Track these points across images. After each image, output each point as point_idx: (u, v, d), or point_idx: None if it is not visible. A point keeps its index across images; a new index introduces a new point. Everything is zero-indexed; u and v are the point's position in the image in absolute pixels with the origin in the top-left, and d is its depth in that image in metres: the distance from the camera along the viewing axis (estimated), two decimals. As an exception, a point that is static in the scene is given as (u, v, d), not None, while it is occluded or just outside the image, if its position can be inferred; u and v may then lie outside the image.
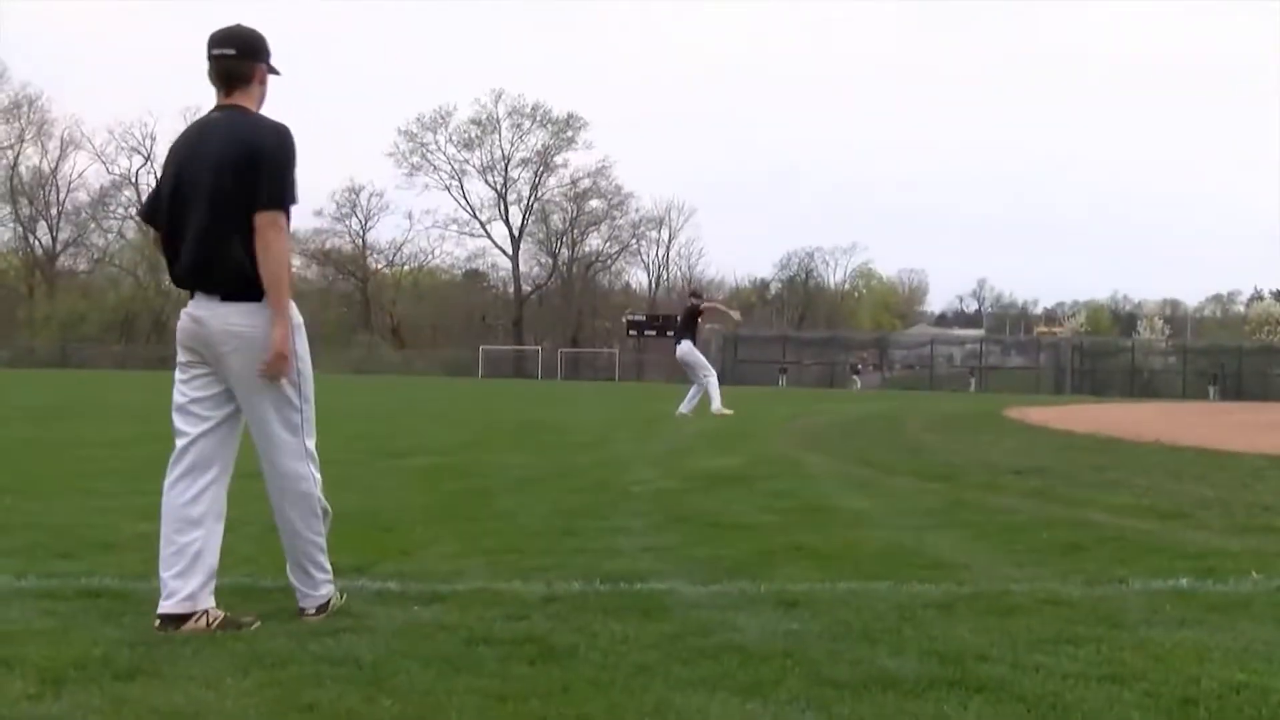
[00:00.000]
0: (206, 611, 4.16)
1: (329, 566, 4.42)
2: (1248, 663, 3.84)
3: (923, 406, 28.63)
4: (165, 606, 4.15)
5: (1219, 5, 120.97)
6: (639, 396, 32.81)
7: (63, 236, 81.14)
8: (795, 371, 66.67)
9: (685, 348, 19.52)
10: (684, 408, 19.06)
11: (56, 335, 72.64)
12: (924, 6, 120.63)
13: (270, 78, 4.44)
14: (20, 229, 79.30)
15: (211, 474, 4.28)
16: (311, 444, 4.38)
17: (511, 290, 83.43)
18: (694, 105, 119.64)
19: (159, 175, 4.56)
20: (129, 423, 15.97)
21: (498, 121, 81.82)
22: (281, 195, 4.19)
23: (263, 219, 4.14)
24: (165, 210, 4.33)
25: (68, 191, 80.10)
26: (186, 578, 4.16)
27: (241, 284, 4.18)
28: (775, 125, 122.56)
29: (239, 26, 4.39)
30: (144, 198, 4.22)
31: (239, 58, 4.32)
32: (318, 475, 4.38)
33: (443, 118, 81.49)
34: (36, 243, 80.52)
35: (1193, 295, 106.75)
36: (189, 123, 4.47)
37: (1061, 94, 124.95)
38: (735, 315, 23.36)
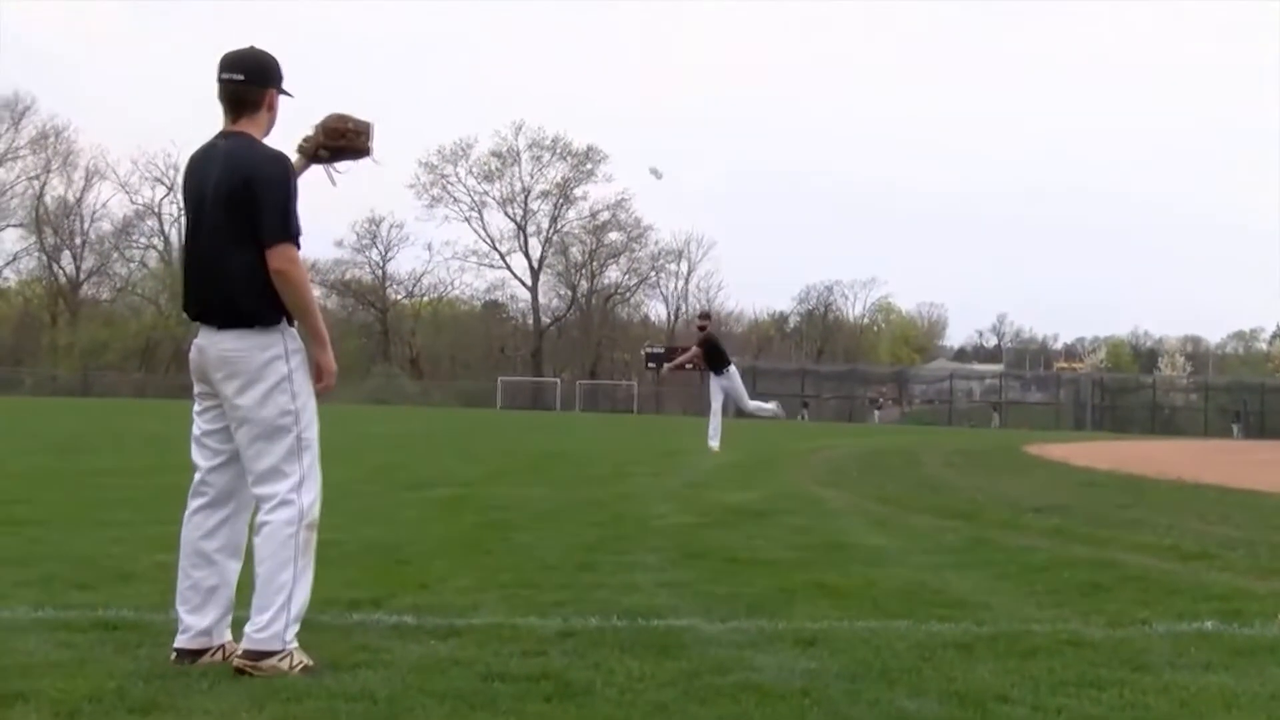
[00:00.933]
0: (223, 646, 4.15)
1: (276, 614, 4.03)
2: (1276, 710, 3.79)
3: (942, 442, 28.52)
4: (180, 642, 4.14)
5: (1242, 33, 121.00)
6: (657, 429, 32.77)
7: (86, 265, 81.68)
8: (815, 405, 66.55)
9: (726, 376, 18.90)
10: (712, 442, 18.65)
11: (78, 363, 73.12)
12: (944, 38, 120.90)
13: (282, 100, 4.37)
14: (44, 258, 79.96)
15: (228, 509, 4.24)
16: (310, 474, 4.17)
17: (530, 322, 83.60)
18: (713, 139, 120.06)
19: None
20: (147, 452, 16.02)
21: (518, 154, 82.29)
22: (286, 227, 4.12)
23: (274, 254, 4.07)
24: (184, 241, 4.35)
25: (91, 221, 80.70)
26: (201, 613, 4.15)
27: (234, 312, 4.14)
28: (794, 159, 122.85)
29: (250, 50, 4.31)
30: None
31: (247, 83, 4.24)
32: (307, 507, 4.14)
33: (463, 150, 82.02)
34: (60, 271, 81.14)
35: (1214, 332, 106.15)
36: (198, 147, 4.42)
37: (1083, 129, 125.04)
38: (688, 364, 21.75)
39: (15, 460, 13.95)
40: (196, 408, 4.31)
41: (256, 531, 4.11)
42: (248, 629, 4.06)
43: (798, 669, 4.14)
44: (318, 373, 4.29)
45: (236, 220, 4.09)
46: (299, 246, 4.18)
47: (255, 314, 4.14)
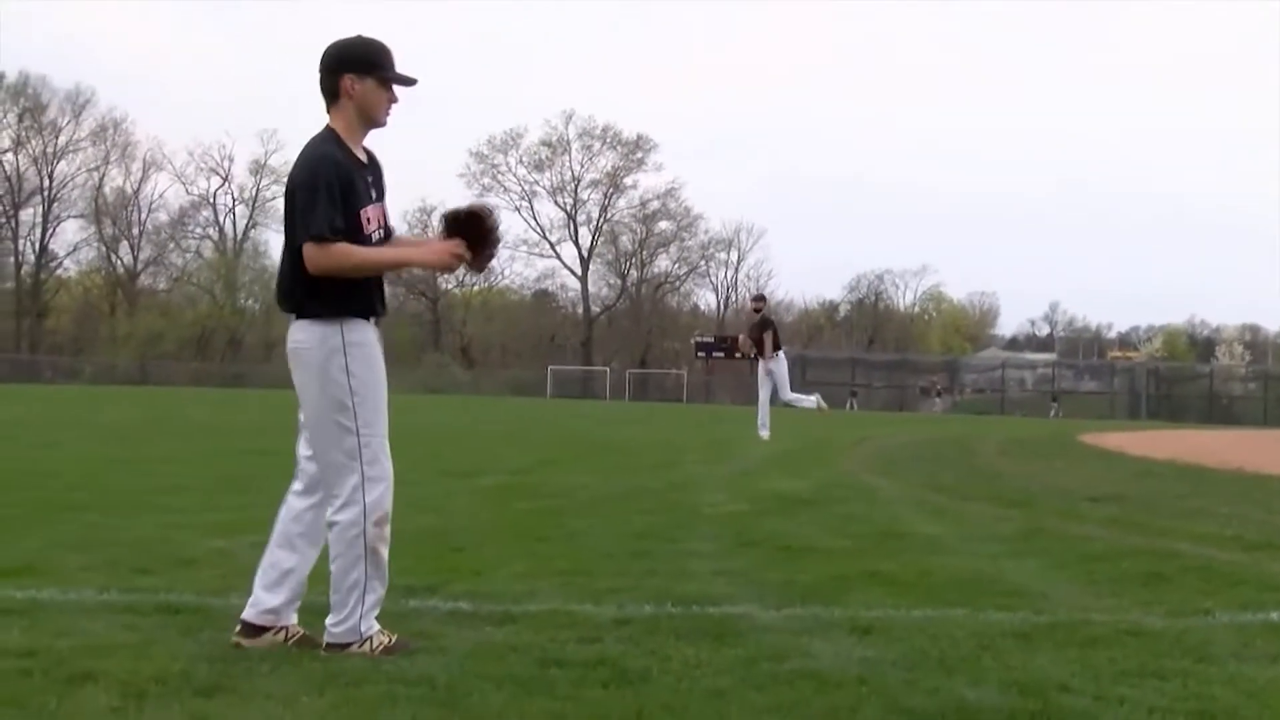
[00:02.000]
0: (286, 628, 4.21)
1: (352, 609, 4.11)
2: (1345, 702, 3.73)
3: (995, 431, 28.29)
4: (247, 615, 4.20)
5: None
6: (707, 418, 32.74)
7: (143, 256, 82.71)
8: (865, 394, 66.23)
9: (764, 362, 18.91)
10: (762, 434, 18.55)
11: (136, 352, 73.95)
12: (992, 28, 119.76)
13: (372, 88, 4.22)
14: (103, 248, 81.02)
15: (316, 498, 4.27)
16: (371, 470, 4.15)
17: (580, 311, 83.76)
18: (764, 127, 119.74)
19: None
20: (204, 440, 16.23)
21: (568, 143, 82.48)
22: (306, 226, 4.07)
23: (304, 255, 4.09)
24: None
25: (149, 212, 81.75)
26: (274, 592, 4.21)
27: (293, 303, 4.19)
28: (844, 146, 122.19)
29: (335, 41, 4.29)
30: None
31: (322, 72, 4.26)
32: (372, 504, 4.14)
33: (514, 139, 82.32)
34: (118, 262, 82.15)
35: (1273, 320, 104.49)
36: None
37: (1135, 115, 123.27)
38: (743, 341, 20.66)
39: (76, 447, 14.18)
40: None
41: (328, 529, 4.17)
42: (327, 623, 4.14)
43: (854, 657, 4.11)
44: (443, 261, 4.36)
45: (290, 216, 4.16)
46: (323, 241, 4.06)
47: (307, 306, 4.17)
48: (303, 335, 4.18)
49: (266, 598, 4.20)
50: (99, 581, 5.23)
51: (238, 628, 4.19)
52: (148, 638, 4.22)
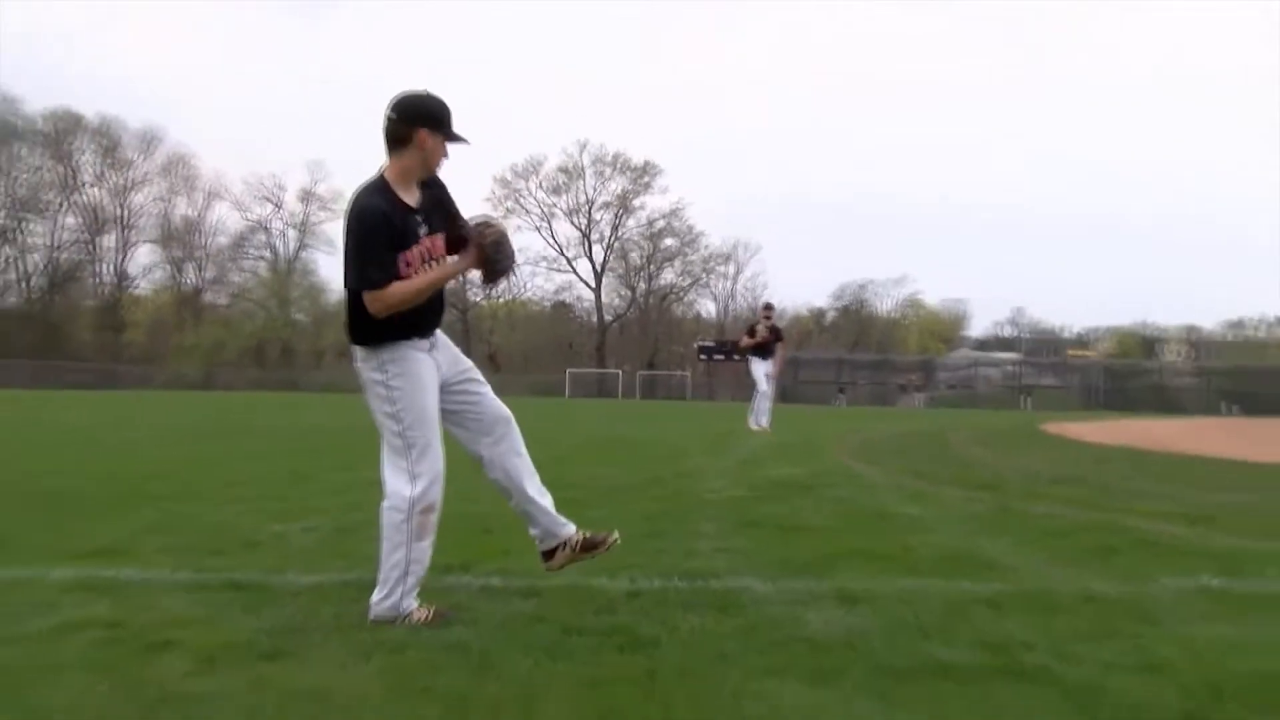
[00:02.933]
0: (567, 540, 4.61)
1: (393, 588, 4.18)
2: (1273, 656, 3.75)
3: (967, 423, 28.22)
4: (542, 547, 4.63)
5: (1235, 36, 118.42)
6: (709, 415, 32.71)
7: (207, 275, 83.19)
8: (850, 391, 66.12)
9: (760, 362, 19.12)
10: (764, 421, 18.80)
11: (201, 361, 74.27)
12: (966, 53, 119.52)
13: (440, 144, 4.28)
14: (172, 269, 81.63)
15: (484, 455, 4.65)
16: (417, 467, 4.25)
17: (595, 319, 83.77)
18: (760, 152, 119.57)
19: None
20: (263, 438, 16.27)
21: (582, 169, 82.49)
22: (357, 278, 4.14)
23: (364, 297, 4.17)
24: None
25: (211, 236, 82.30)
26: (537, 525, 4.62)
27: (351, 334, 4.32)
28: (833, 169, 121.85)
29: (410, 92, 4.27)
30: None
31: (398, 120, 4.21)
32: (417, 497, 4.22)
33: (534, 167, 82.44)
34: (185, 280, 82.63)
35: (1211, 321, 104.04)
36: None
37: (1089, 135, 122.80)
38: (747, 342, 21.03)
39: (151, 446, 14.23)
40: None
41: (381, 516, 4.25)
42: (372, 600, 4.19)
43: (843, 624, 4.13)
44: (478, 262, 4.49)
45: (344, 259, 4.22)
46: (375, 288, 4.12)
47: (357, 336, 4.30)
48: (359, 360, 4.35)
49: (537, 532, 4.59)
50: (174, 562, 5.26)
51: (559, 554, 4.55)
52: (216, 611, 4.25)
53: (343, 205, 4.43)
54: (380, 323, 4.21)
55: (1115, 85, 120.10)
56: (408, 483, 4.24)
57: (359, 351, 4.33)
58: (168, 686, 3.29)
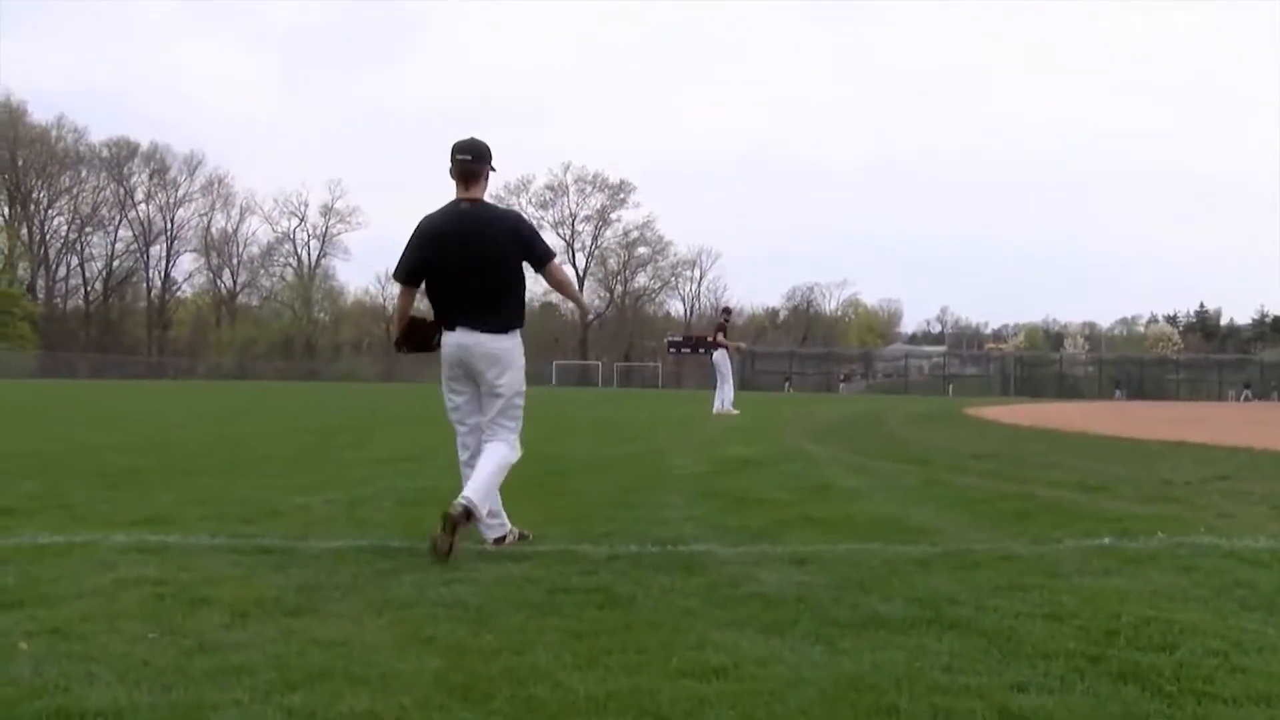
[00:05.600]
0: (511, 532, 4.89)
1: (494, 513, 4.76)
2: (1157, 602, 3.77)
3: (900, 407, 28.34)
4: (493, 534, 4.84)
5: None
6: (677, 401, 32.72)
7: (241, 280, 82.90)
8: (799, 380, 66.31)
9: (719, 356, 19.23)
10: (717, 406, 18.85)
11: (236, 355, 73.98)
12: (906, 72, 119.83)
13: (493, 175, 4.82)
14: (211, 275, 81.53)
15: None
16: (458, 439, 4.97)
17: (577, 318, 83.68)
18: (721, 168, 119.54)
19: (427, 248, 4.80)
20: (288, 421, 16.15)
21: (566, 187, 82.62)
22: (549, 251, 4.87)
23: (553, 265, 4.91)
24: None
25: (244, 246, 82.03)
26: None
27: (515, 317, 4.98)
28: (785, 182, 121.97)
29: (475, 139, 4.73)
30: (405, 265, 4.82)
31: (479, 160, 4.68)
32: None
33: (524, 184, 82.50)
34: (222, 285, 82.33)
35: (1106, 318, 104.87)
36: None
37: (1001, 158, 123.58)
38: (741, 346, 21.35)
39: (193, 428, 14.10)
40: None
41: (496, 469, 4.80)
42: (493, 532, 4.82)
43: (793, 581, 4.11)
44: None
45: (509, 254, 4.74)
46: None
47: (516, 321, 4.95)
48: (507, 342, 4.83)
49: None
50: (211, 529, 5.22)
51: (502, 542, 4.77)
52: (248, 571, 4.21)
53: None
54: (523, 311, 4.75)
55: (1003, 92, 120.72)
56: (516, 446, 4.82)
57: (506, 336, 4.70)
58: (206, 635, 3.25)
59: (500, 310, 4.69)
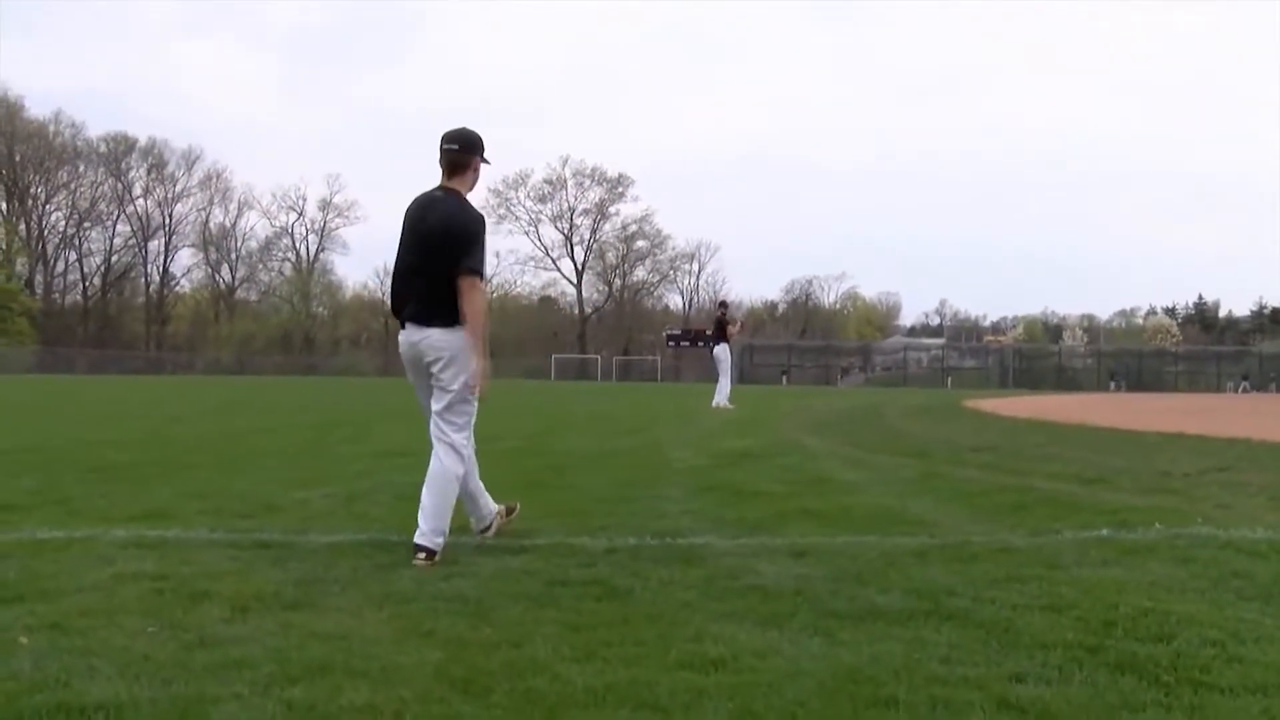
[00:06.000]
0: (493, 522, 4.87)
1: (446, 521, 4.49)
2: (1154, 593, 3.78)
3: (899, 400, 28.35)
4: (478, 526, 4.82)
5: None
6: (676, 394, 32.72)
7: (239, 275, 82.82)
8: (798, 373, 66.31)
9: (719, 349, 19.21)
10: (716, 400, 18.85)
11: (234, 350, 73.91)
12: (905, 70, 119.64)
13: (484, 167, 4.61)
14: (209, 270, 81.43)
15: None
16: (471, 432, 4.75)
17: (576, 311, 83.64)
18: (720, 163, 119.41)
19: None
20: (287, 416, 16.14)
21: (565, 181, 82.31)
22: (475, 263, 4.49)
23: (466, 280, 4.44)
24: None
25: (243, 241, 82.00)
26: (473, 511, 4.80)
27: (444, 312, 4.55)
28: (784, 178, 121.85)
29: (464, 129, 4.55)
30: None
31: (462, 150, 4.49)
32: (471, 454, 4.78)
33: (522, 178, 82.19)
34: (220, 280, 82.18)
35: (1104, 310, 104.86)
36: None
37: (1001, 157, 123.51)
38: (734, 329, 20.64)
39: (191, 423, 14.09)
40: None
41: (451, 469, 4.57)
42: (482, 527, 4.85)
43: (791, 574, 4.12)
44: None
45: (446, 249, 4.40)
46: (482, 278, 4.56)
47: (448, 316, 4.52)
48: (440, 338, 4.49)
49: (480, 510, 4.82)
50: (210, 523, 5.21)
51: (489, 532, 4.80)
52: (247, 566, 4.21)
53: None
54: (456, 308, 4.42)
55: (1002, 86, 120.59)
56: (466, 444, 4.55)
57: (445, 330, 4.41)
58: (206, 630, 3.25)
59: (445, 303, 4.39)
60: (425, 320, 4.43)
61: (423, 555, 4.30)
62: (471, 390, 4.50)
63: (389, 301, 4.65)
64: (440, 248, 4.35)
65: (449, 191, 4.50)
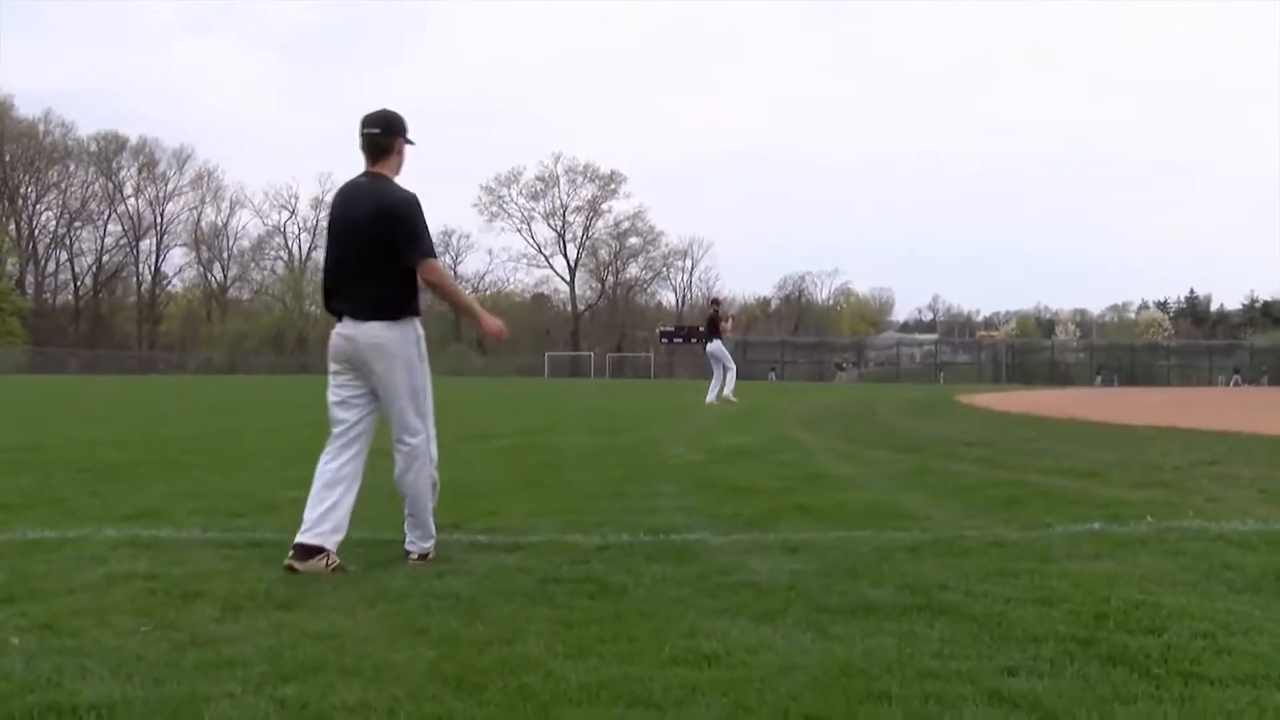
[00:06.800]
0: (328, 554, 4.11)
1: (427, 528, 4.36)
2: (1145, 586, 3.80)
3: (892, 395, 28.39)
4: (301, 537, 4.14)
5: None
6: (670, 390, 32.73)
7: (231, 274, 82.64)
8: (791, 369, 66.37)
9: (714, 346, 19.21)
10: (710, 397, 18.86)
11: (227, 349, 73.68)
12: (899, 69, 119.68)
13: (408, 148, 4.39)
14: (201, 269, 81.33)
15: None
16: (431, 430, 4.51)
17: (569, 308, 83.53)
18: (713, 162, 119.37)
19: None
20: (281, 415, 16.11)
21: (557, 178, 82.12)
22: (418, 247, 4.27)
23: (426, 264, 4.27)
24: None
25: (235, 239, 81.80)
26: (322, 521, 4.17)
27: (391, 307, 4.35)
28: (776, 174, 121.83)
29: (384, 110, 4.34)
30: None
31: (383, 133, 4.28)
32: (434, 455, 4.50)
33: (515, 176, 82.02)
34: (212, 279, 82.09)
35: (1097, 305, 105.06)
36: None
37: (995, 152, 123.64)
38: (726, 325, 21.44)
39: (183, 422, 14.07)
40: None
41: (409, 474, 4.41)
42: (416, 541, 4.33)
43: (785, 569, 4.13)
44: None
45: (388, 241, 4.19)
46: (435, 257, 4.35)
47: (394, 310, 4.33)
48: (386, 333, 4.28)
49: (317, 524, 4.15)
50: (203, 523, 5.22)
51: (291, 552, 4.12)
52: (240, 565, 4.21)
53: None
54: (414, 299, 4.25)
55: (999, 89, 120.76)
56: (428, 442, 4.35)
57: (389, 325, 4.21)
58: (199, 629, 3.25)
59: (384, 296, 4.18)
60: (363, 315, 4.21)
61: (415, 557, 4.30)
62: (502, 333, 4.67)
63: (322, 298, 4.44)
64: (375, 237, 4.13)
65: (374, 177, 4.26)
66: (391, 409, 4.31)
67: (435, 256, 4.28)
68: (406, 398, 4.28)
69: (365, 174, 4.31)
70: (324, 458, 4.33)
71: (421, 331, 4.35)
